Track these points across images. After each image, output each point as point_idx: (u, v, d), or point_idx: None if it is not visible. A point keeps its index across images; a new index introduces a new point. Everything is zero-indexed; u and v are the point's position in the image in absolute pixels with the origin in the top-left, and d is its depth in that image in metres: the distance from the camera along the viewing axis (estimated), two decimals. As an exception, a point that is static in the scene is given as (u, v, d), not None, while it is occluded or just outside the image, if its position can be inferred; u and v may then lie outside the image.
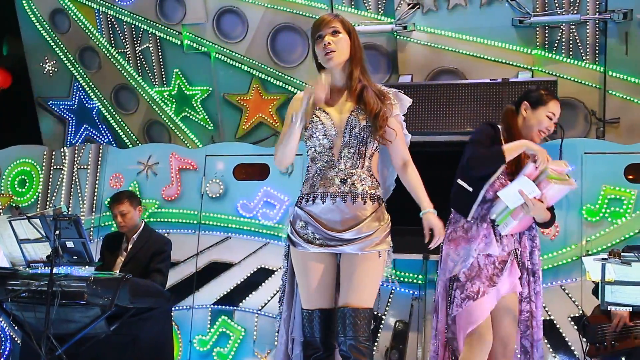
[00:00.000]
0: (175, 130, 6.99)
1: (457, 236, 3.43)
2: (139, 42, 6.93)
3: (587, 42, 5.65)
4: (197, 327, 5.91)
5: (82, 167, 6.51)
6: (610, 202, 5.13)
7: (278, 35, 6.45)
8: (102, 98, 7.28)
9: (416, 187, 3.05)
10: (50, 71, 7.42)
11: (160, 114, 7.01)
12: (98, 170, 6.45)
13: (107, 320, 4.24)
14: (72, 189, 6.50)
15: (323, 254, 2.95)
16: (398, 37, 6.02)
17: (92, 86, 7.29)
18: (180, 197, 6.18)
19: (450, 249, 3.45)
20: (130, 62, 7.03)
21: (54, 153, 6.67)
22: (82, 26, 7.09)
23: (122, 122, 7.26)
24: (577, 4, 5.60)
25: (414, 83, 5.73)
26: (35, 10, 7.25)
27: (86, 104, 7.39)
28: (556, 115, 3.53)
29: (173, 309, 5.41)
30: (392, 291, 5.52)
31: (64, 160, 6.58)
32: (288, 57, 6.48)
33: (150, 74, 6.98)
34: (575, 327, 4.97)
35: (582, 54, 5.70)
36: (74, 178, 6.51)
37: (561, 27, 5.69)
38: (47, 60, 7.39)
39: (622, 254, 3.24)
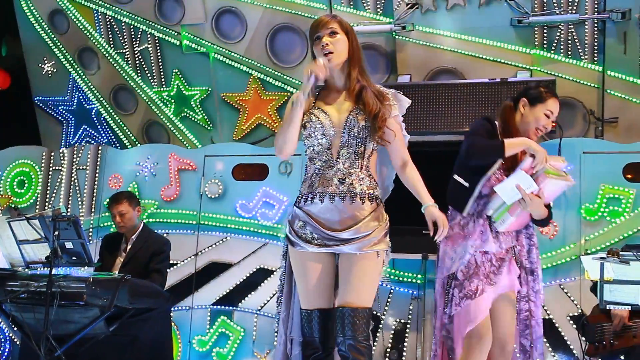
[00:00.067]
0: (174, 131, 6.99)
1: (454, 233, 3.40)
2: (137, 42, 6.93)
3: (586, 42, 5.66)
4: (197, 327, 5.92)
5: (81, 167, 6.51)
6: (609, 201, 5.13)
7: (277, 36, 6.45)
8: (101, 98, 7.28)
9: (416, 183, 3.05)
10: (49, 72, 7.42)
11: (159, 114, 7.01)
12: (97, 171, 6.45)
13: (107, 320, 4.24)
14: (71, 190, 6.50)
15: (321, 254, 2.96)
16: (397, 37, 6.02)
17: (91, 87, 7.29)
18: (179, 198, 6.18)
19: (447, 246, 3.43)
20: (129, 62, 7.03)
21: (52, 154, 6.67)
22: (81, 27, 7.09)
23: (121, 123, 7.26)
24: (575, 4, 5.60)
25: (413, 83, 5.74)
26: (34, 10, 7.25)
27: (85, 105, 7.39)
28: (554, 113, 3.49)
29: (172, 309, 5.41)
30: (391, 291, 5.52)
31: (62, 161, 6.58)
32: (287, 57, 6.48)
33: (149, 75, 6.98)
34: (574, 326, 4.98)
35: (581, 54, 5.71)
36: (72, 179, 6.51)
37: (560, 26, 5.69)
38: (46, 61, 7.39)
39: (621, 253, 3.24)
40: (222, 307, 5.90)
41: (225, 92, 6.72)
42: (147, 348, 4.59)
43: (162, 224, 6.09)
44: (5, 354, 6.26)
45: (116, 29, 6.98)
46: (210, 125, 6.88)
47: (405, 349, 5.40)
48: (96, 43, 7.09)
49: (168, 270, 5.10)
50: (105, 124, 7.35)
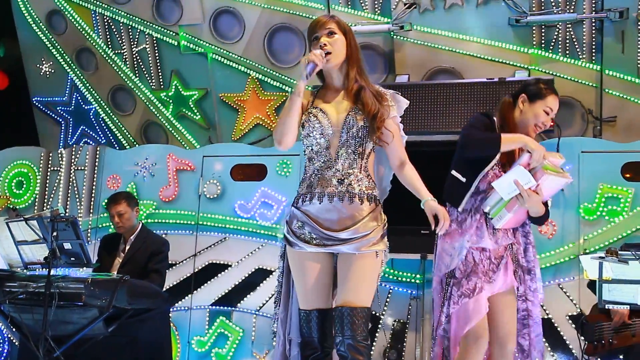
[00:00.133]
0: (173, 131, 6.99)
1: (452, 230, 3.36)
2: (135, 43, 6.93)
3: (584, 41, 5.66)
4: (196, 328, 5.91)
5: (79, 168, 6.50)
6: (608, 201, 5.14)
7: (275, 36, 6.45)
8: (99, 99, 7.27)
9: (414, 181, 3.05)
10: (47, 72, 7.41)
11: (158, 114, 7.00)
12: (95, 172, 6.44)
13: (105, 321, 4.23)
14: (69, 191, 6.50)
15: (320, 254, 2.95)
16: (395, 36, 6.02)
17: (89, 87, 7.29)
18: (178, 198, 6.18)
19: (445, 243, 3.40)
20: (127, 63, 7.02)
21: (51, 154, 6.66)
22: (79, 27, 7.09)
23: (119, 123, 7.26)
24: (573, 3, 5.61)
25: (411, 83, 5.74)
26: (31, 11, 7.24)
27: (83, 105, 7.38)
28: (554, 110, 3.44)
29: (171, 310, 5.41)
30: (390, 291, 5.52)
31: (61, 162, 6.57)
32: (285, 58, 6.48)
33: (147, 75, 6.97)
34: (573, 325, 4.98)
35: (579, 53, 5.71)
36: (71, 179, 6.50)
37: (557, 26, 5.69)
38: (43, 62, 7.39)
39: (620, 252, 3.24)
40: (221, 307, 5.89)
41: (223, 92, 6.71)
42: (146, 349, 4.59)
43: (161, 225, 6.08)
44: (4, 355, 6.25)
45: (114, 30, 6.98)
46: (209, 125, 6.88)
47: (404, 348, 5.40)
48: (94, 43, 7.08)
49: (167, 270, 5.09)
50: (103, 125, 7.34)
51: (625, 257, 3.21)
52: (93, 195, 6.40)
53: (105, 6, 6.89)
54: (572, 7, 5.61)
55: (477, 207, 3.37)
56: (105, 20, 6.97)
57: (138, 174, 6.30)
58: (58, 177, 6.55)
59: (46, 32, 7.25)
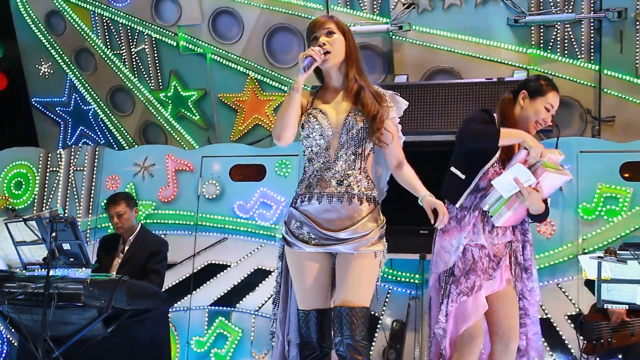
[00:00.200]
0: (172, 132, 6.99)
1: (450, 227, 3.35)
2: (134, 43, 6.93)
3: (582, 41, 5.67)
4: (195, 328, 5.91)
5: (78, 168, 6.50)
6: (606, 201, 5.14)
7: (274, 36, 6.46)
8: (98, 100, 7.27)
9: (411, 179, 3.04)
10: (46, 73, 7.41)
11: (157, 115, 7.00)
12: (94, 172, 6.44)
13: (104, 322, 4.23)
14: (68, 191, 6.49)
15: (319, 254, 2.95)
16: (393, 37, 6.03)
17: (88, 88, 7.29)
18: (177, 199, 6.18)
19: (444, 240, 3.38)
20: (126, 63, 7.02)
21: (50, 155, 6.66)
22: (78, 28, 7.08)
23: (118, 124, 7.26)
24: (571, 3, 5.61)
25: (410, 83, 5.74)
26: (30, 12, 7.24)
27: (82, 106, 7.38)
28: (554, 106, 3.42)
29: (170, 310, 5.41)
30: (389, 291, 5.53)
31: (60, 162, 6.57)
32: (284, 58, 6.48)
33: (146, 76, 6.97)
34: (572, 325, 4.98)
35: (577, 53, 5.72)
36: (70, 180, 6.50)
37: (556, 26, 5.70)
38: (42, 62, 7.39)
39: (618, 252, 3.24)
40: (220, 307, 5.89)
41: (222, 92, 6.72)
42: (145, 349, 4.59)
43: (160, 225, 6.08)
44: (3, 355, 6.25)
45: (113, 30, 6.98)
46: (208, 126, 6.88)
47: (403, 349, 5.40)
48: (93, 44, 7.08)
49: (166, 271, 5.09)
50: (102, 125, 7.34)
51: (624, 256, 3.21)
52: (92, 195, 6.40)
53: (104, 7, 6.89)
54: (571, 7, 5.61)
55: (476, 205, 3.35)
56: (104, 20, 6.97)
57: (137, 174, 6.30)
58: (57, 178, 6.55)
59: (45, 32, 7.25)
